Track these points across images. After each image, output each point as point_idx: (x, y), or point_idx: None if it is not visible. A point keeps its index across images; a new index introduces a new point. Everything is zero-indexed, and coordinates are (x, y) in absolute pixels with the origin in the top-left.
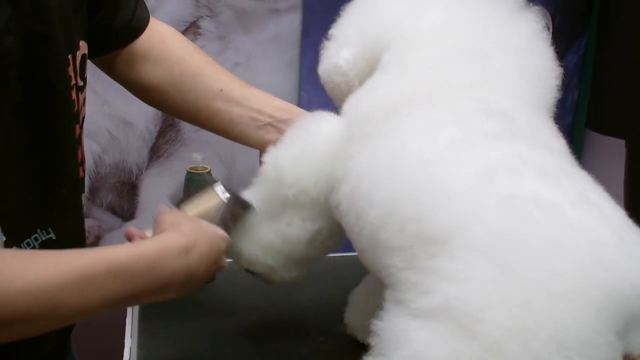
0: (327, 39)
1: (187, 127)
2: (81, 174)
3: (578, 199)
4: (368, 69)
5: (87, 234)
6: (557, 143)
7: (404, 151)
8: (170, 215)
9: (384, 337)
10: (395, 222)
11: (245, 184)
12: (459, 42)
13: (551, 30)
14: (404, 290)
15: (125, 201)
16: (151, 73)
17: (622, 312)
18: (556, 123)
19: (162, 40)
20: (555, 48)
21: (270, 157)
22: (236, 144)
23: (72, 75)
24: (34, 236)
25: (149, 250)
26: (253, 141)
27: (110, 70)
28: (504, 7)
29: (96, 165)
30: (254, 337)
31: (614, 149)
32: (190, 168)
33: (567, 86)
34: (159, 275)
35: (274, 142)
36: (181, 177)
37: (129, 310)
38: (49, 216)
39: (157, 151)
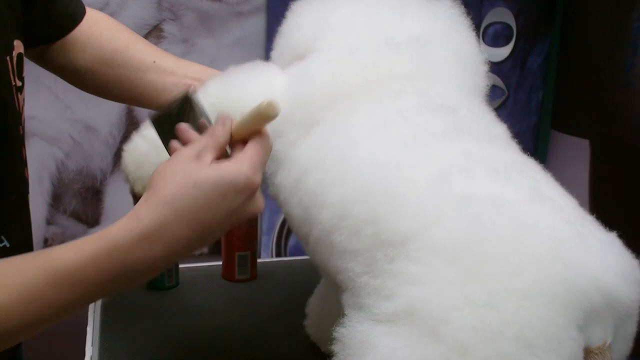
0: None
1: None
2: (26, 174)
3: (532, 195)
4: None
5: (50, 242)
6: (500, 130)
7: (355, 152)
8: (157, 174)
9: (348, 344)
10: (351, 225)
11: None
12: (389, 30)
13: (515, 31)
14: (364, 295)
15: (89, 207)
16: (81, 55)
17: (582, 306)
18: (521, 124)
19: (92, 24)
20: (519, 49)
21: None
22: None
23: (12, 77)
24: None
25: (96, 252)
26: None
27: (40, 59)
28: None
29: (59, 171)
30: (217, 343)
31: (579, 149)
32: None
33: (531, 87)
34: (116, 272)
35: None
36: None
37: (90, 317)
38: (0, 224)
39: (121, 156)
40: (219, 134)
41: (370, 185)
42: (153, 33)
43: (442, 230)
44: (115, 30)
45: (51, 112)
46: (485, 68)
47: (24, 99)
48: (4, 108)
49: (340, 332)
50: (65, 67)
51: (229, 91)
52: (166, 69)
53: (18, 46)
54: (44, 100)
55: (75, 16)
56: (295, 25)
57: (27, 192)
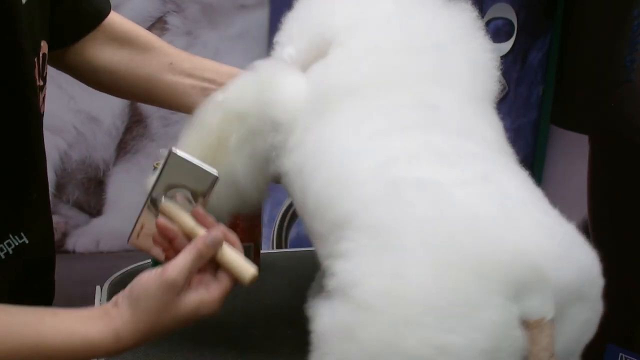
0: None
1: (154, 123)
2: (46, 173)
3: (471, 179)
4: (314, 61)
5: (54, 231)
6: (490, 132)
7: (333, 143)
8: (142, 292)
9: (310, 319)
10: (321, 212)
11: None
12: (408, 34)
13: (516, 26)
14: (326, 276)
15: (92, 197)
16: (100, 55)
17: (503, 277)
18: (522, 119)
19: (111, 23)
20: (520, 44)
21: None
22: None
23: (37, 78)
24: (6, 242)
25: (78, 346)
26: None
27: (57, 60)
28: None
29: (62, 161)
30: (220, 331)
31: (578, 144)
32: (157, 164)
33: (532, 82)
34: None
35: None
36: (149, 173)
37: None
38: (21, 221)
39: (124, 147)
40: (204, 254)
41: (332, 174)
42: (157, 25)
43: (369, 211)
44: (132, 30)
45: (55, 102)
46: (498, 73)
47: (44, 98)
48: (29, 108)
49: (307, 309)
50: (82, 67)
51: (256, 99)
52: (183, 70)
53: (44, 47)
54: (48, 91)
55: (102, 12)
56: (327, 9)
57: (48, 191)
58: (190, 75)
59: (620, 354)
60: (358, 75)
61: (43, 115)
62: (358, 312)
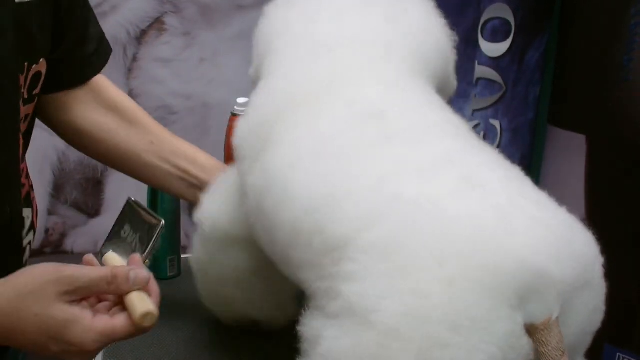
0: None
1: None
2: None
3: (458, 186)
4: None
5: (51, 231)
6: (438, 116)
7: (295, 172)
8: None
9: (305, 339)
10: (305, 238)
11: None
12: (355, 31)
13: (513, 27)
14: (319, 298)
15: (90, 198)
16: (92, 118)
17: (511, 287)
18: (519, 119)
19: (106, 85)
20: (517, 44)
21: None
22: (201, 140)
23: (22, 84)
24: None
25: None
26: (188, 197)
27: (41, 110)
28: None
29: (60, 162)
30: (219, 330)
31: (576, 144)
32: None
33: (529, 82)
34: None
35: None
36: None
37: None
38: None
39: None
40: (117, 280)
41: (314, 200)
42: (155, 26)
43: (372, 232)
44: (119, 98)
45: None
46: (452, 54)
47: (26, 116)
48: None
49: (299, 329)
50: (65, 124)
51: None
52: (162, 155)
53: (42, 64)
54: None
55: (98, 62)
56: (267, 23)
57: (20, 165)
58: (167, 161)
59: (618, 354)
60: (287, 95)
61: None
62: (385, 338)
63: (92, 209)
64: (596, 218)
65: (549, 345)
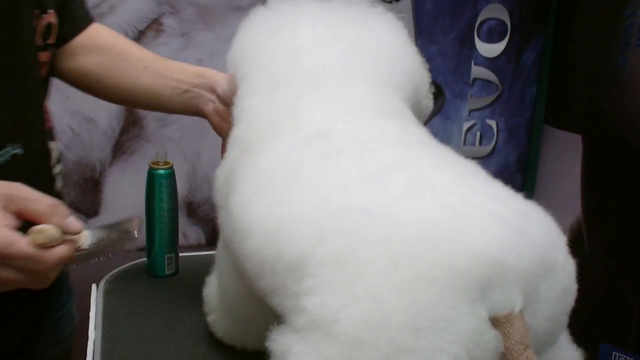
0: None
1: (150, 124)
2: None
3: (408, 190)
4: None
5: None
6: (389, 125)
7: (251, 208)
8: None
9: (274, 354)
10: (269, 266)
11: (209, 180)
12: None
13: (509, 27)
14: (287, 314)
15: (88, 198)
16: (90, 61)
17: (468, 282)
18: (515, 119)
19: (96, 32)
20: (513, 45)
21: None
22: (200, 140)
23: (35, 28)
24: (4, 149)
25: None
26: (178, 108)
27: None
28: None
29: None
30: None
31: (572, 144)
32: (152, 163)
33: (525, 82)
34: None
35: (195, 106)
36: (145, 174)
37: (93, 304)
38: (19, 133)
39: (120, 148)
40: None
41: (270, 228)
42: (152, 26)
43: (325, 245)
44: (113, 37)
45: (51, 103)
46: (424, 77)
47: (44, 62)
48: (22, 29)
49: (268, 344)
50: (72, 72)
51: None
52: (157, 72)
53: (51, 15)
54: None
55: (87, 18)
56: (238, 41)
57: (44, 114)
58: (162, 76)
59: (614, 352)
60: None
61: (44, 69)
62: (350, 350)
63: (90, 209)
64: (592, 217)
65: (512, 339)
